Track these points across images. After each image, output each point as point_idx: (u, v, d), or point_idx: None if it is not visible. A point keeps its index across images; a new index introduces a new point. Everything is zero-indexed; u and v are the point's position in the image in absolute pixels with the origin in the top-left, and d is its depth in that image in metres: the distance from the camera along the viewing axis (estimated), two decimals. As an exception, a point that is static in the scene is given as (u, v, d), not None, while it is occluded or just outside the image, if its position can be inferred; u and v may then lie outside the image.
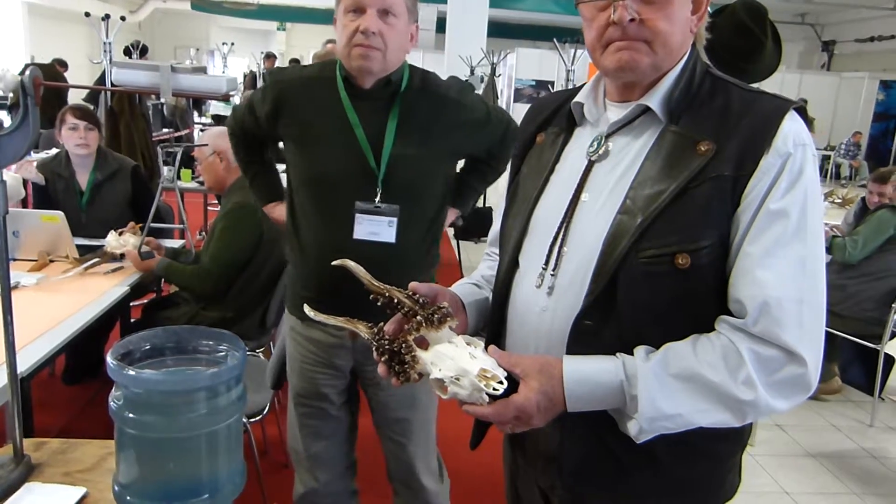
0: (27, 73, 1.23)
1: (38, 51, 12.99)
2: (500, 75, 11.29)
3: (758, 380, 0.97)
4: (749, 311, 0.98)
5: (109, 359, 1.29)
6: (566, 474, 1.14)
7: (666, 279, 1.01)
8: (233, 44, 11.40)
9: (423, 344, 1.06)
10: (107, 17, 4.10)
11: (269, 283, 2.86)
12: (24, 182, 3.74)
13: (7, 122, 7.63)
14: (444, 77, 1.94)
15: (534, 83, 12.98)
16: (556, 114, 1.24)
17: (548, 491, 1.22)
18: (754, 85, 1.12)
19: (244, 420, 2.38)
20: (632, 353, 1.02)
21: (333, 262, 1.13)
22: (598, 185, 1.10)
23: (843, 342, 3.83)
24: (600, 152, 1.12)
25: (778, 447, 3.51)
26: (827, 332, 1.02)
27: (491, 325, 1.23)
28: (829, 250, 3.79)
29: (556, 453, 1.14)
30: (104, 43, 3.95)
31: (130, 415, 1.29)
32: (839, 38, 17.62)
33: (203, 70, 3.57)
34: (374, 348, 1.06)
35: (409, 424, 1.91)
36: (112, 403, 1.31)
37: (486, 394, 0.98)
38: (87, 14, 4.01)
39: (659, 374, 0.99)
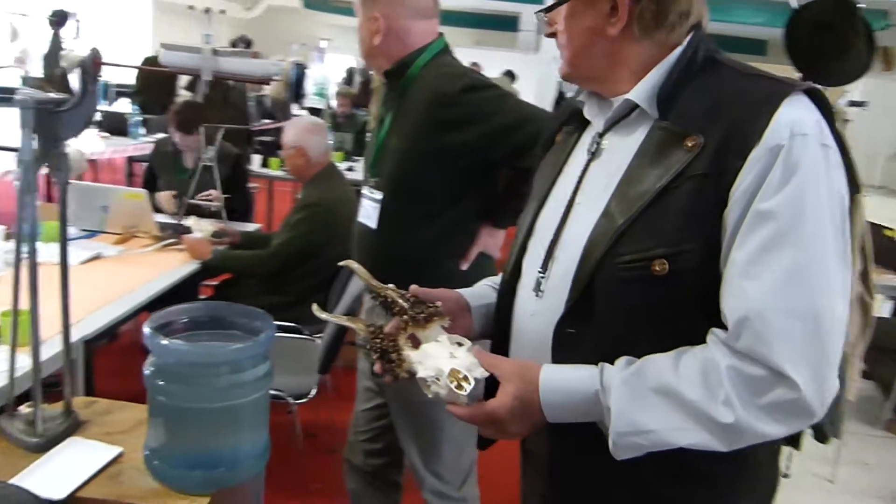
0: (87, 53, 1.31)
1: (162, 42, 13.77)
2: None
3: (738, 401, 0.88)
4: (730, 325, 0.90)
5: (146, 327, 1.36)
6: (553, 484, 1.11)
7: (642, 286, 0.94)
8: (330, 39, 11.73)
9: (416, 343, 1.07)
10: (208, 10, 4.31)
11: (333, 273, 2.94)
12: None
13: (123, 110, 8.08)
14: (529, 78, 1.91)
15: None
16: (577, 111, 1.19)
17: (545, 499, 1.19)
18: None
19: (291, 401, 2.45)
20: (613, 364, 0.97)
21: (339, 263, 1.20)
22: (590, 185, 1.06)
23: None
24: (595, 151, 1.08)
25: (860, 485, 3.30)
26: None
27: (496, 328, 1.20)
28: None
29: (546, 462, 1.11)
30: (205, 35, 4.15)
31: (160, 382, 1.36)
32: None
33: (250, 55, 3.71)
34: (368, 346, 1.08)
35: (410, 425, 1.90)
36: (146, 370, 1.38)
37: (465, 395, 0.98)
38: (191, 7, 4.21)
39: (634, 386, 0.93)
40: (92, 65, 1.31)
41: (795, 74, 3.21)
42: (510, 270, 1.17)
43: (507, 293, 1.16)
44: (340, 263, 1.20)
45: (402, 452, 2.04)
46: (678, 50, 1.01)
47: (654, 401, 0.92)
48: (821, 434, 1.73)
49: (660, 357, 0.95)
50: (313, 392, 2.50)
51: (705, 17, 1.05)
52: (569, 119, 1.19)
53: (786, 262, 0.87)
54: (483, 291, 1.27)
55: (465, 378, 0.99)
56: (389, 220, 1.79)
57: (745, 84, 0.96)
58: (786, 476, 2.15)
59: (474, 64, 9.44)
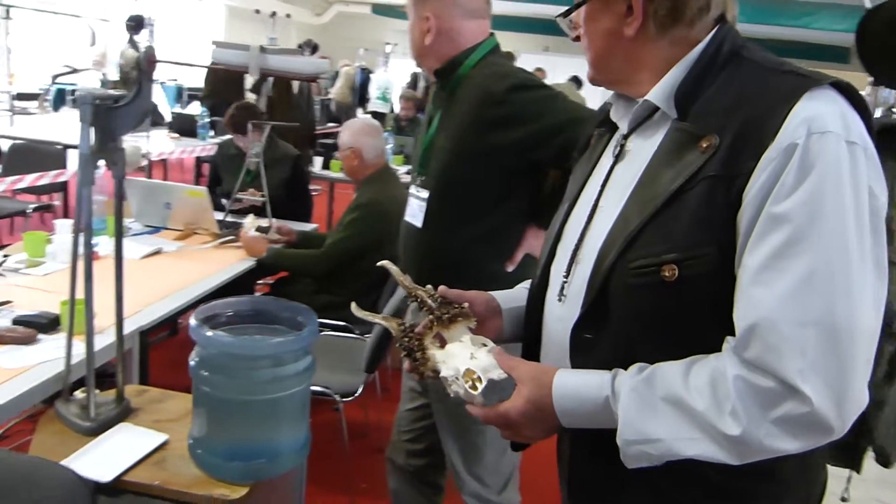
0: (142, 51, 1.36)
1: (214, 40, 14.21)
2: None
3: (745, 414, 0.83)
4: (738, 333, 0.86)
5: (192, 319, 1.40)
6: (571, 489, 1.10)
7: (652, 292, 0.91)
8: (396, 44, 11.87)
9: (443, 343, 1.08)
10: (273, 14, 4.42)
11: (385, 273, 2.96)
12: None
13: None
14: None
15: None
16: (607, 114, 1.17)
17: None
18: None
19: (337, 398, 2.48)
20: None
21: (377, 264, 1.21)
22: (613, 189, 1.03)
23: None
24: (618, 154, 1.06)
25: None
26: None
27: (525, 332, 1.19)
28: None
29: (566, 464, 1.10)
30: (270, 38, 4.26)
31: (204, 373, 1.40)
32: None
33: (294, 52, 3.79)
34: (398, 344, 1.10)
35: (452, 426, 1.89)
36: (191, 361, 1.42)
37: (479, 395, 0.99)
38: (257, 11, 4.32)
39: (643, 393, 0.90)
40: (147, 63, 1.35)
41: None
42: (539, 275, 1.15)
43: (537, 298, 1.15)
44: (379, 264, 1.20)
45: (445, 454, 2.04)
46: (700, 46, 0.97)
47: (662, 409, 0.89)
48: (883, 457, 1.65)
49: (671, 365, 0.91)
50: (360, 390, 2.52)
51: (731, 9, 1.01)
52: (602, 122, 1.17)
53: (800, 267, 0.82)
54: (517, 294, 1.25)
55: (479, 378, 0.99)
56: (435, 219, 1.79)
57: (766, 79, 0.91)
58: (844, 500, 2.03)
59: (538, 69, 9.46)
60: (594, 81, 1.08)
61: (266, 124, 3.46)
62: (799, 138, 0.83)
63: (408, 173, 5.27)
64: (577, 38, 1.06)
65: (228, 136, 3.93)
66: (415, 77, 10.89)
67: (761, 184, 0.84)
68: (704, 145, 0.90)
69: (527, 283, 1.32)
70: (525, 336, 1.18)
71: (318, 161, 5.50)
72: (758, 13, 10.69)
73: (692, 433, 0.87)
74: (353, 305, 1.18)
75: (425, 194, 1.79)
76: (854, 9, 11.96)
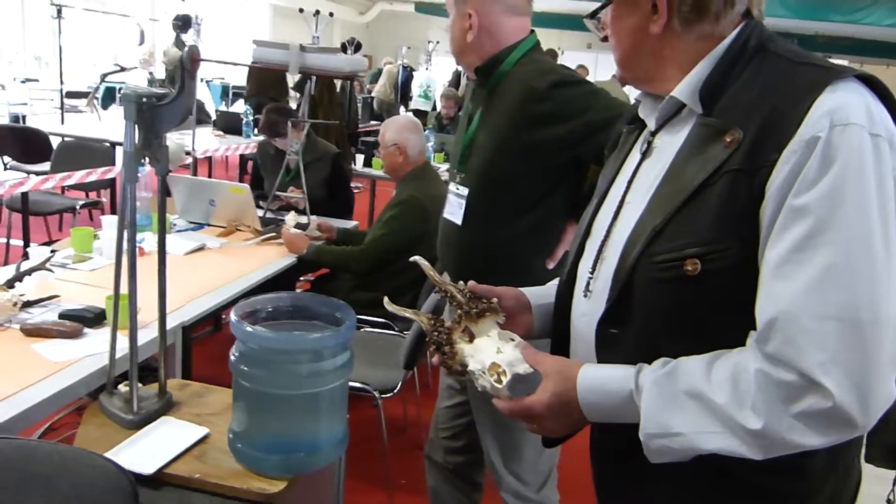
0: (185, 50, 1.37)
1: (254, 39, 14.46)
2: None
3: (766, 407, 0.83)
4: (759, 327, 0.85)
5: (232, 314, 1.41)
6: (598, 483, 1.12)
7: (675, 287, 0.91)
8: (438, 42, 11.87)
9: (472, 338, 1.10)
10: (317, 12, 4.44)
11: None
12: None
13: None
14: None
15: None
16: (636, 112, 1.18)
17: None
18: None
19: (376, 395, 2.49)
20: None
21: (410, 259, 1.23)
22: (639, 185, 1.04)
23: None
24: (645, 150, 1.06)
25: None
26: None
27: (554, 328, 1.19)
28: None
29: (595, 461, 1.12)
30: (313, 37, 4.28)
31: (244, 368, 1.41)
32: None
33: (333, 51, 3.80)
34: (427, 339, 1.12)
35: (491, 423, 1.87)
36: (231, 356, 1.43)
37: (504, 388, 1.01)
38: (301, 10, 4.36)
39: (665, 387, 0.90)
40: (190, 61, 1.37)
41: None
42: (567, 272, 1.16)
43: (566, 294, 1.15)
44: (410, 259, 1.21)
45: (483, 451, 2.03)
46: (726, 41, 0.97)
47: (683, 403, 0.89)
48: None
49: (694, 359, 0.91)
50: (398, 387, 2.52)
51: (757, 4, 0.99)
52: (632, 119, 1.17)
53: (821, 260, 0.81)
54: (548, 291, 1.25)
55: (504, 372, 1.01)
56: (475, 216, 1.79)
57: (789, 72, 0.91)
58: (890, 503, 1.97)
59: (580, 66, 9.36)
60: (623, 80, 1.09)
61: (305, 122, 3.49)
62: (821, 131, 0.83)
63: (447, 171, 5.28)
64: (605, 39, 1.07)
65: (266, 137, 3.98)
66: (457, 75, 10.88)
67: (784, 177, 0.84)
68: (728, 139, 0.90)
69: (556, 280, 1.32)
70: (553, 332, 1.19)
71: (359, 159, 5.53)
72: (807, 9, 10.46)
73: (713, 427, 0.87)
74: (386, 300, 1.20)
75: (465, 191, 1.79)
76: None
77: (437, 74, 11.58)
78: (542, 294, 1.23)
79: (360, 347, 1.51)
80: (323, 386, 1.41)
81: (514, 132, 1.73)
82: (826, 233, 0.82)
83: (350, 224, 3.61)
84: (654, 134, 1.06)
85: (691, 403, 0.88)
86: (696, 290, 0.90)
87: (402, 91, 11.00)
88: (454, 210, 1.81)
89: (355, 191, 4.22)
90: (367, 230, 3.41)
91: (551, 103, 1.70)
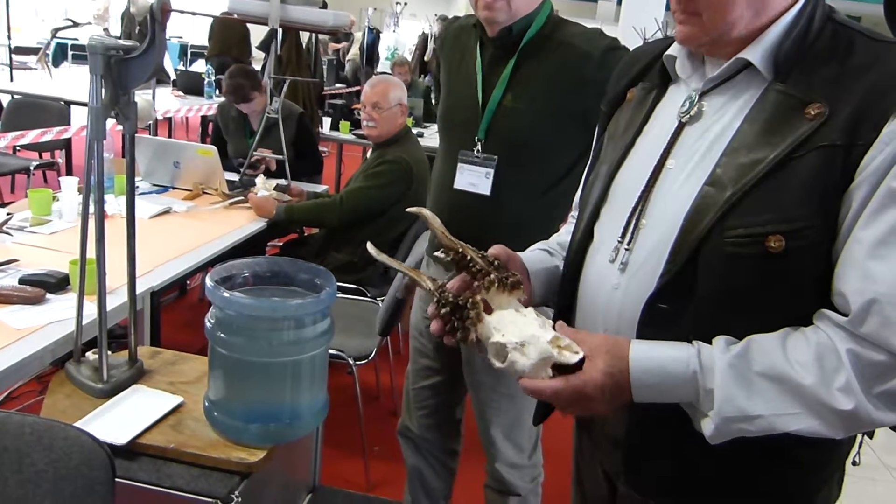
0: (155, 1, 1.29)
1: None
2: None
3: (858, 387, 0.83)
4: (854, 308, 0.84)
5: (208, 280, 1.36)
6: (631, 466, 1.05)
7: (754, 263, 0.87)
8: (405, 3, 11.65)
9: (488, 309, 0.99)
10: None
11: (402, 235, 2.92)
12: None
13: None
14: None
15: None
16: (650, 67, 1.12)
17: (613, 476, 1.14)
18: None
19: (351, 362, 2.45)
20: (709, 343, 0.91)
21: (408, 210, 1.12)
22: (686, 150, 0.98)
23: None
24: (692, 113, 0.99)
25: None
26: None
27: (560, 298, 1.14)
28: None
29: (622, 441, 1.05)
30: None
31: (221, 335, 1.35)
32: None
33: (317, 3, 3.64)
34: (434, 301, 1.00)
35: (494, 398, 1.85)
36: (207, 323, 1.38)
37: (553, 367, 0.92)
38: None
39: (740, 368, 0.87)
40: (161, 12, 1.29)
41: None
42: (579, 239, 1.10)
43: (577, 262, 1.10)
44: (409, 210, 1.11)
45: (458, 423, 2.04)
46: (796, 7, 0.93)
47: (762, 385, 0.87)
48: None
49: (765, 338, 0.89)
50: (373, 354, 2.49)
51: None
52: (642, 76, 1.11)
53: None
54: (539, 256, 1.20)
55: (569, 346, 0.92)
56: (508, 185, 1.70)
57: (878, 50, 0.89)
58: (855, 464, 2.04)
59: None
60: (693, 39, 0.97)
61: (284, 79, 3.37)
62: None
63: (420, 136, 5.19)
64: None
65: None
66: (424, 38, 10.71)
67: (884, 157, 0.83)
68: (813, 112, 0.87)
69: (541, 244, 1.27)
70: (560, 300, 1.14)
71: (326, 122, 5.41)
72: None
73: (794, 408, 0.86)
74: (370, 245, 1.10)
75: (491, 160, 1.70)
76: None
77: (405, 38, 11.38)
78: (535, 259, 1.18)
79: (333, 314, 1.46)
80: (304, 353, 1.37)
81: (562, 96, 1.65)
82: None
83: (320, 188, 3.54)
84: (701, 95, 0.99)
85: (771, 385, 0.87)
86: (775, 268, 0.87)
87: (369, 53, 10.78)
88: (477, 181, 1.71)
89: (322, 155, 4.11)
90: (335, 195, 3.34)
91: (606, 69, 1.64)
